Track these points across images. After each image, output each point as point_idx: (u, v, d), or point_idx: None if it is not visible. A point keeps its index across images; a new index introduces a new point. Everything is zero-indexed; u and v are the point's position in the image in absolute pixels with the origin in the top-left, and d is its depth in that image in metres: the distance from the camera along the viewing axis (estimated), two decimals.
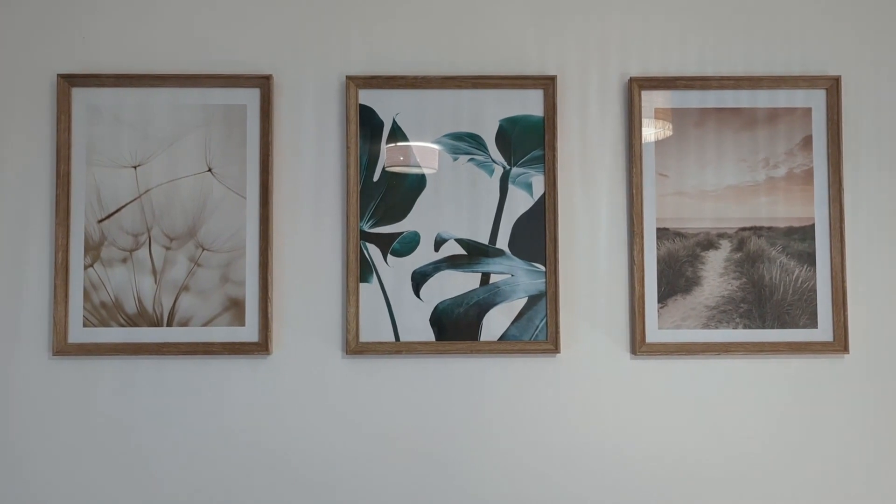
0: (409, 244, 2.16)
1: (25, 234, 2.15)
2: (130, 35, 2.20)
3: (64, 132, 2.14)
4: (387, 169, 2.18)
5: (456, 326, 2.15)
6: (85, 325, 2.12)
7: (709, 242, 2.19)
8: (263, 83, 2.16)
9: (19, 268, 2.14)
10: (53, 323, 2.11)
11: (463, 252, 2.16)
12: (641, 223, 2.17)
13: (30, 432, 2.11)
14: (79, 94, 2.16)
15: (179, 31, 2.20)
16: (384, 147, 2.18)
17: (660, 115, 2.21)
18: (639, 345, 2.14)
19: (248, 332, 2.13)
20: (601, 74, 2.22)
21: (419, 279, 2.15)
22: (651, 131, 2.21)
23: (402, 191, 2.18)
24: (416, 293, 2.15)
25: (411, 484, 2.13)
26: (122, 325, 2.12)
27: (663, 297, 2.18)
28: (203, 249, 2.14)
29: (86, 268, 2.13)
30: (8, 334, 2.12)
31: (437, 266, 2.16)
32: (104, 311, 2.12)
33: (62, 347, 2.11)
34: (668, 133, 2.21)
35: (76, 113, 2.15)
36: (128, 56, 2.19)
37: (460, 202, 2.18)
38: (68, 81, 2.15)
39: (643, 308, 2.16)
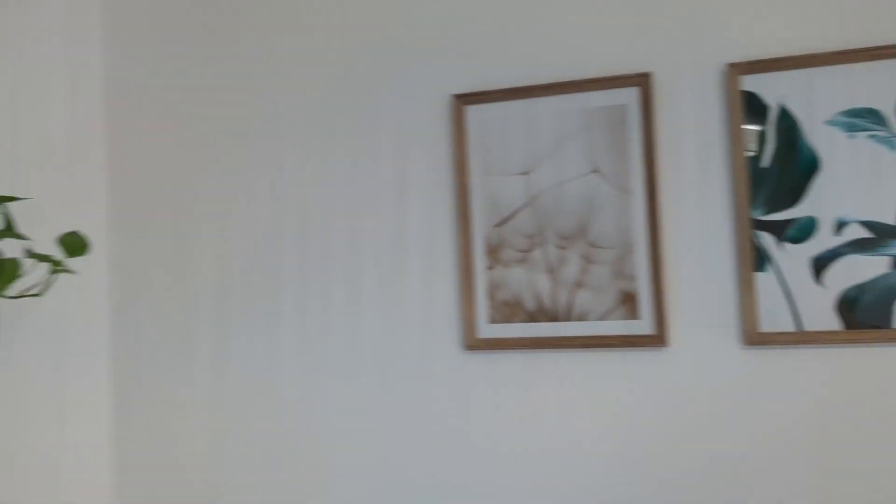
0: (805, 230, 2.08)
1: (433, 242, 2.38)
2: (513, 51, 2.35)
3: (459, 147, 2.35)
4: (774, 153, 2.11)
5: (864, 313, 2.03)
6: (491, 322, 2.31)
7: None
8: (642, 81, 2.20)
9: (428, 274, 2.37)
10: (463, 320, 2.32)
11: (869, 235, 2.03)
12: None
13: (447, 421, 2.35)
14: (471, 111, 2.35)
15: (557, 41, 2.31)
16: (770, 132, 2.12)
17: None
18: None
19: (644, 325, 2.18)
20: None
21: (819, 265, 2.06)
22: None
23: (794, 175, 2.10)
24: (817, 280, 2.06)
25: (812, 486, 2.05)
26: (524, 322, 2.28)
27: None
28: (593, 247, 2.23)
29: (487, 269, 2.32)
30: (424, 331, 2.37)
31: (840, 251, 2.05)
32: (507, 309, 2.30)
33: (472, 342, 2.31)
34: None
35: (470, 128, 2.35)
36: (512, 71, 2.34)
37: (860, 182, 2.05)
38: (461, 100, 2.35)
39: None
